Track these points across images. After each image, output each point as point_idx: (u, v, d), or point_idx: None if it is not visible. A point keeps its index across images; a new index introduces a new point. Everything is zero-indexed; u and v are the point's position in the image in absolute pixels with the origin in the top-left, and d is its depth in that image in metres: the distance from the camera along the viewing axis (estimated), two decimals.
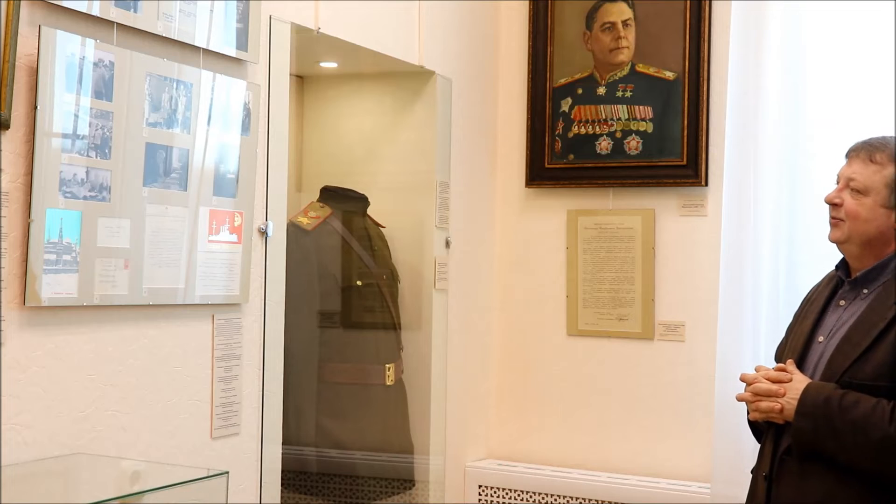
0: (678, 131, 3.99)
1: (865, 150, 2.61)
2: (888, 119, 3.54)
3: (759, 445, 3.45)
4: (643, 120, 4.06)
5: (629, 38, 4.09)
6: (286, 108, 3.23)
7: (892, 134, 2.75)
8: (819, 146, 3.67)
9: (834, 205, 2.64)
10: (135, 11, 2.62)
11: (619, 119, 4.10)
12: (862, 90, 3.62)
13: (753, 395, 2.62)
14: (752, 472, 2.77)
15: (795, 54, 3.72)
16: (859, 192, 2.59)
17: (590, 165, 4.16)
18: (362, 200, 3.98)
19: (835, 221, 2.64)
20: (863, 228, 2.59)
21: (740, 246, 3.74)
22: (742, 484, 3.65)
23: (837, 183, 2.67)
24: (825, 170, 3.59)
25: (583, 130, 4.17)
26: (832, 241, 2.68)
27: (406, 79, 3.97)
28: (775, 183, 3.70)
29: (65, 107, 2.46)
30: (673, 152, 4.01)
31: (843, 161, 2.70)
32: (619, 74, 4.11)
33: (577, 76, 4.19)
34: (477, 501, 4.15)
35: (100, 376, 2.61)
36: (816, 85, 3.70)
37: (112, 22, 2.57)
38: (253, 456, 3.10)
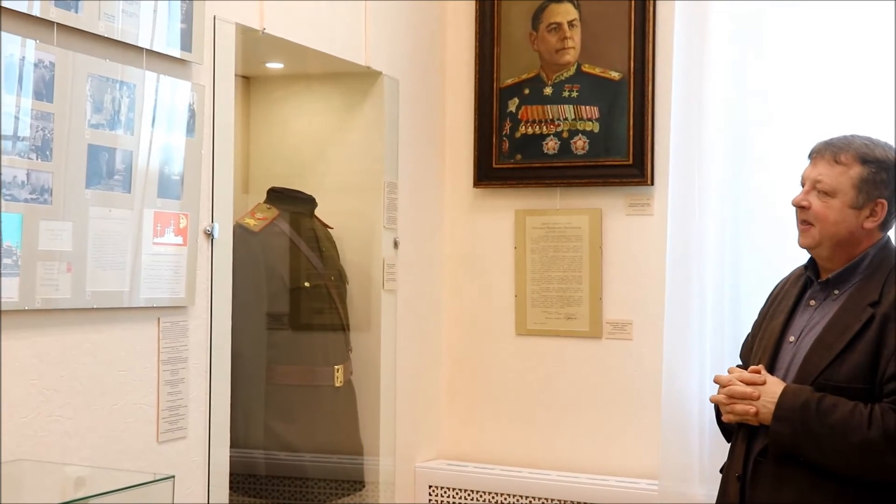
0: (624, 131, 4.02)
1: (830, 151, 2.60)
2: (832, 117, 3.59)
3: (711, 444, 3.51)
4: (589, 120, 4.09)
5: (575, 38, 4.11)
6: (231, 109, 3.21)
7: (843, 132, 2.75)
8: (762, 145, 3.71)
9: (801, 207, 2.62)
10: (76, 12, 2.59)
11: (566, 119, 4.12)
12: (805, 89, 3.66)
13: (728, 398, 2.62)
14: (721, 471, 2.77)
15: (738, 53, 3.75)
16: (827, 193, 2.58)
17: (537, 165, 4.17)
18: (310, 201, 3.97)
19: (804, 227, 2.63)
20: (832, 231, 2.58)
21: (686, 244, 3.77)
22: (689, 481, 3.72)
23: (802, 185, 2.65)
24: (769, 167, 3.67)
25: (530, 130, 4.19)
26: (802, 246, 2.67)
27: (353, 79, 3.96)
28: (719, 181, 3.74)
29: (4, 108, 2.42)
30: (619, 152, 4.03)
31: (792, 158, 2.71)
32: (565, 75, 4.13)
33: (524, 76, 4.20)
34: (427, 502, 4.15)
35: (43, 381, 2.58)
36: (760, 84, 3.74)
37: (52, 22, 2.54)
38: (200, 459, 3.08)
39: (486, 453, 4.26)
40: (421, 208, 4.23)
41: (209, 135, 3.08)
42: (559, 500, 3.97)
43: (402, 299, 4.07)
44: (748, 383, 2.59)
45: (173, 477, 2.52)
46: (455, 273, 4.38)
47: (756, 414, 2.55)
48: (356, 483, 3.98)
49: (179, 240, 2.95)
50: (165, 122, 2.89)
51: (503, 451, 4.23)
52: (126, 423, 2.81)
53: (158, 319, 2.92)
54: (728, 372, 2.69)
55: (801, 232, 2.65)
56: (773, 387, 2.55)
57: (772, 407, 2.52)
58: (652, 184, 4.00)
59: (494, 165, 4.25)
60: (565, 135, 4.13)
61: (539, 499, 4.00)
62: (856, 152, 2.58)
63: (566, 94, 4.12)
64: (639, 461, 3.98)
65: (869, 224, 2.59)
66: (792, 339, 2.63)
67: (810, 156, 2.67)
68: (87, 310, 2.67)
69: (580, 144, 4.10)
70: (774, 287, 2.86)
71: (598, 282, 4.10)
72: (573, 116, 4.11)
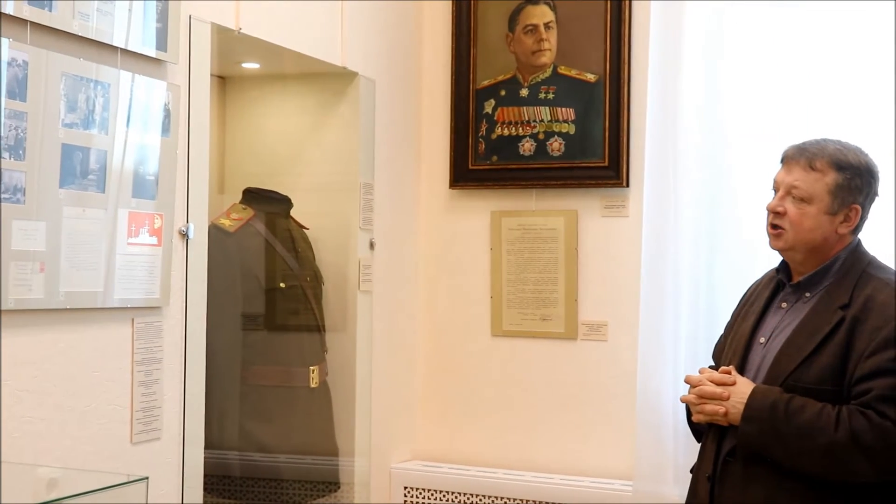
0: (600, 133, 4.03)
1: (805, 157, 2.60)
2: (806, 120, 3.62)
3: (685, 444, 3.52)
4: (565, 121, 4.10)
5: (551, 40, 4.12)
6: (207, 108, 3.20)
7: (816, 135, 2.76)
8: (737, 147, 3.73)
9: (776, 213, 2.63)
10: (49, 10, 2.57)
11: (542, 121, 4.13)
12: (781, 91, 3.68)
13: (698, 398, 2.63)
14: (691, 471, 2.79)
15: (714, 55, 3.77)
16: (803, 200, 2.58)
17: (513, 167, 4.18)
18: (285, 202, 3.96)
19: (777, 231, 2.63)
20: (808, 237, 2.59)
21: (661, 246, 3.78)
22: (664, 481, 3.73)
23: (775, 190, 2.65)
24: (743, 169, 3.69)
25: (506, 132, 4.19)
26: (775, 249, 2.67)
27: (329, 80, 3.96)
28: (695, 183, 3.76)
29: None
30: (595, 154, 4.04)
31: (767, 161, 2.71)
32: (541, 76, 4.14)
33: (500, 78, 4.21)
34: (402, 502, 4.15)
35: (16, 382, 2.56)
36: (735, 86, 3.75)
37: (26, 21, 2.52)
38: (174, 460, 3.06)
39: (461, 454, 4.26)
40: (397, 209, 4.23)
41: (184, 135, 3.07)
42: (534, 501, 3.97)
43: (378, 300, 4.07)
44: (718, 384, 2.60)
45: (147, 478, 2.50)
46: (431, 274, 4.38)
47: (725, 414, 2.57)
48: (331, 484, 3.97)
49: (154, 240, 2.94)
50: (140, 121, 2.88)
51: (478, 452, 4.24)
52: (99, 424, 2.80)
53: (133, 320, 2.90)
54: (699, 372, 2.70)
55: (773, 236, 2.65)
56: (743, 387, 2.57)
57: (741, 407, 2.54)
58: (627, 185, 4.01)
59: (470, 167, 4.25)
60: (541, 136, 4.13)
61: (514, 499, 4.01)
62: (831, 158, 2.59)
63: (542, 95, 4.13)
64: (613, 462, 3.99)
65: (843, 229, 2.61)
66: (762, 340, 2.65)
67: (783, 160, 2.67)
68: (60, 310, 2.66)
69: (556, 146, 4.11)
70: (747, 289, 2.88)
71: (573, 283, 4.11)
72: (549, 118, 4.12)
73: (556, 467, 4.09)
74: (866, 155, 2.63)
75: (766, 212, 2.68)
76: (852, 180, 2.58)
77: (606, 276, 4.07)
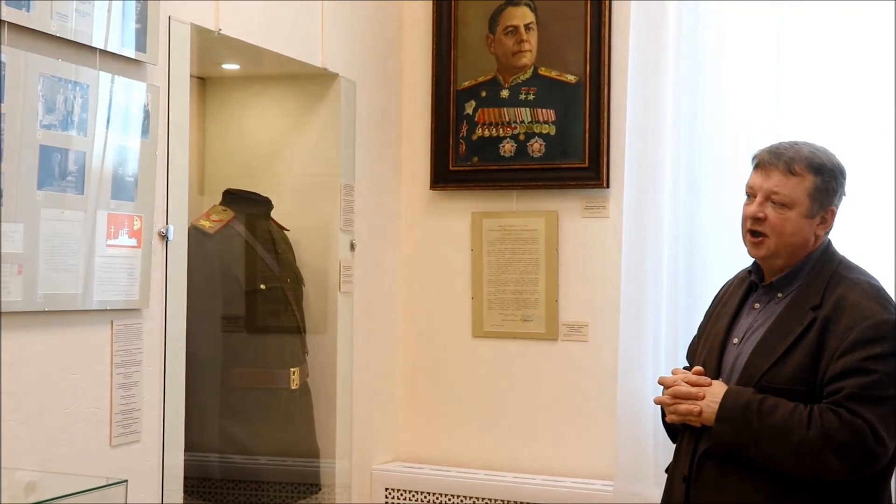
0: (580, 134, 4.04)
1: (783, 162, 2.58)
2: (786, 121, 3.64)
3: (665, 445, 3.52)
4: (546, 123, 4.10)
5: (531, 41, 4.13)
6: (187, 110, 3.19)
7: (789, 138, 2.77)
8: (717, 148, 3.74)
9: (756, 218, 2.61)
10: (27, 11, 2.56)
11: (523, 122, 4.14)
12: (761, 92, 3.69)
13: (672, 398, 2.64)
14: (666, 471, 2.80)
15: (693, 57, 3.78)
16: (784, 205, 2.57)
17: (494, 168, 4.18)
18: (266, 203, 3.95)
19: (759, 240, 2.61)
20: (789, 241, 2.59)
21: (641, 247, 3.79)
22: (644, 481, 3.74)
23: (750, 194, 2.64)
24: (723, 172, 3.70)
25: (486, 133, 4.20)
26: (756, 257, 2.67)
27: (309, 81, 3.95)
28: (674, 184, 3.77)
29: None
30: (575, 155, 4.05)
31: (746, 162, 2.70)
32: (521, 77, 4.14)
33: (481, 79, 4.21)
34: None
35: None
36: (715, 87, 3.76)
37: (3, 21, 2.50)
38: (154, 463, 3.05)
39: (442, 455, 4.26)
40: (377, 210, 4.22)
41: (164, 136, 3.06)
42: (515, 502, 3.98)
43: (359, 301, 4.06)
44: (693, 385, 2.61)
45: (126, 481, 2.50)
46: (412, 275, 4.38)
47: (700, 414, 2.58)
48: (312, 486, 3.97)
49: (133, 242, 2.93)
50: (119, 123, 2.86)
51: (459, 453, 4.24)
52: (78, 427, 2.78)
53: (112, 322, 2.89)
54: (672, 373, 2.72)
55: (754, 244, 2.63)
56: (717, 388, 2.58)
57: (715, 407, 2.55)
58: (607, 186, 4.02)
59: (451, 168, 4.25)
60: (522, 137, 4.14)
61: (495, 500, 4.01)
62: (808, 161, 2.59)
63: (523, 96, 4.14)
64: (594, 462, 4.00)
65: (820, 231, 2.62)
66: (736, 340, 2.66)
67: (757, 164, 2.65)
68: (38, 312, 2.64)
69: (536, 147, 4.12)
70: (719, 290, 2.89)
71: (554, 284, 4.11)
72: (530, 119, 4.13)
73: (536, 468, 4.09)
74: (835, 156, 2.65)
75: (742, 216, 2.66)
76: (829, 182, 2.60)
77: (587, 276, 4.08)
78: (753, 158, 2.68)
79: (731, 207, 3.59)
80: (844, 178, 2.64)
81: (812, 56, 3.67)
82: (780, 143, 2.68)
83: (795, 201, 2.58)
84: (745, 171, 2.72)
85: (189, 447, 3.25)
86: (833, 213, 2.63)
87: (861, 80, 3.61)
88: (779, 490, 2.49)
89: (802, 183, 2.58)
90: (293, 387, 3.86)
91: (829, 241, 2.67)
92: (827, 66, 3.65)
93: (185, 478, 3.21)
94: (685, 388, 2.62)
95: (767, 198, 2.60)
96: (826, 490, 2.48)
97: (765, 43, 3.69)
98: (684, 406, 2.60)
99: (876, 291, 2.57)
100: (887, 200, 3.53)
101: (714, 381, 2.61)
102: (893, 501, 2.66)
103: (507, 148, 4.16)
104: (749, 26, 3.71)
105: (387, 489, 4.16)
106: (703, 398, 2.58)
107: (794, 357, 2.52)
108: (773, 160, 2.61)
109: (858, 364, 2.45)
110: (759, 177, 2.63)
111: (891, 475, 2.58)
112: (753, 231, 2.63)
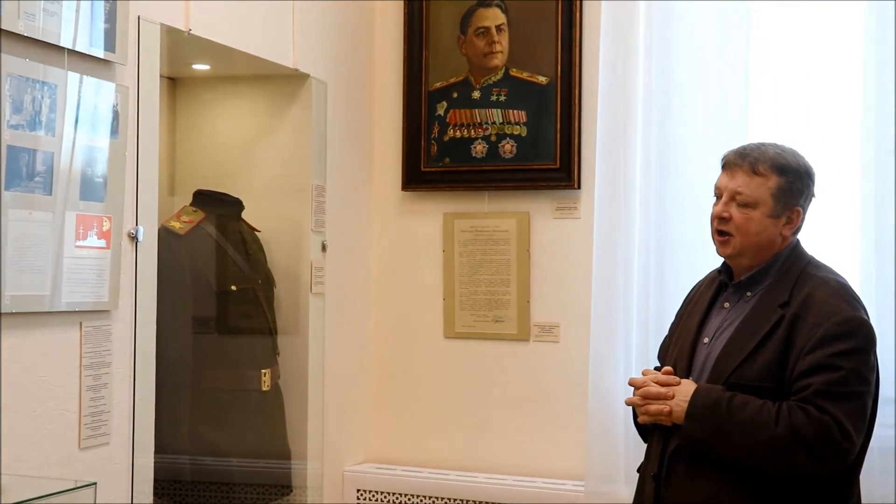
0: (551, 135, 4.05)
1: (748, 163, 2.61)
2: (755, 121, 3.67)
3: (636, 444, 3.54)
4: (517, 124, 4.11)
5: (503, 42, 4.14)
6: (156, 110, 3.17)
7: (759, 139, 2.79)
8: (688, 149, 3.76)
9: (721, 219, 2.65)
10: None
11: (494, 123, 4.14)
12: (731, 94, 3.71)
13: (642, 399, 2.66)
14: (638, 470, 2.82)
15: (664, 58, 3.79)
16: (748, 205, 2.61)
17: (465, 169, 4.19)
18: (237, 204, 3.93)
19: (724, 238, 2.65)
20: (754, 241, 2.62)
21: (612, 248, 3.81)
22: (615, 481, 3.76)
23: (717, 195, 2.68)
24: (694, 172, 3.72)
25: (458, 134, 4.20)
26: (723, 256, 2.70)
27: (281, 82, 3.94)
28: (645, 185, 3.78)
29: None
30: (546, 156, 4.06)
31: (716, 164, 2.73)
32: (493, 79, 4.15)
33: (452, 80, 4.21)
34: None
35: None
36: (685, 88, 3.78)
37: None
38: (124, 465, 3.03)
39: (414, 456, 4.26)
40: (349, 212, 4.22)
41: (133, 136, 3.04)
42: (487, 502, 3.98)
43: (330, 302, 4.05)
44: (663, 385, 2.63)
45: (95, 484, 2.49)
46: (383, 276, 4.37)
47: (670, 413, 2.60)
48: (284, 487, 3.96)
49: (102, 243, 2.91)
50: (88, 123, 2.85)
51: (431, 454, 4.24)
52: (47, 430, 2.76)
53: (81, 324, 2.87)
54: (642, 373, 2.74)
55: (721, 242, 2.67)
56: (686, 387, 2.61)
57: (685, 405, 2.56)
58: (579, 187, 4.04)
59: (423, 169, 4.25)
60: (493, 138, 4.15)
61: (467, 501, 4.01)
62: (772, 162, 2.62)
63: (494, 97, 4.15)
64: (565, 462, 4.01)
65: (786, 231, 2.65)
66: (706, 339, 2.69)
67: (725, 165, 2.68)
68: (6, 314, 2.62)
69: (508, 148, 4.12)
70: (690, 290, 2.91)
71: (525, 285, 4.12)
72: (501, 120, 4.13)
73: (508, 468, 4.10)
74: (803, 157, 2.68)
75: (710, 216, 2.69)
76: (794, 183, 2.62)
77: (558, 277, 4.09)
78: (722, 159, 2.71)
79: (701, 208, 3.60)
80: (812, 179, 2.67)
81: (782, 56, 3.71)
82: (749, 144, 2.72)
83: (759, 201, 2.61)
84: (715, 172, 2.75)
85: (159, 449, 3.23)
86: (799, 214, 2.65)
87: (830, 81, 3.66)
88: (748, 487, 2.52)
89: (766, 183, 2.61)
90: (264, 388, 3.85)
91: (798, 240, 2.69)
92: (797, 67, 3.69)
93: (156, 480, 3.20)
94: (655, 389, 2.64)
95: (732, 198, 2.63)
96: (795, 486, 2.51)
97: (735, 44, 3.72)
98: (654, 406, 2.62)
99: (843, 290, 2.60)
100: (853, 200, 3.57)
101: (683, 381, 2.63)
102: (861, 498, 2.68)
103: (479, 149, 4.17)
104: (719, 27, 3.73)
105: (358, 490, 4.15)
106: (672, 398, 2.60)
107: (763, 354, 2.54)
108: (738, 161, 2.64)
109: (826, 361, 2.48)
110: (725, 177, 2.67)
111: (859, 471, 2.61)
112: (720, 230, 2.66)
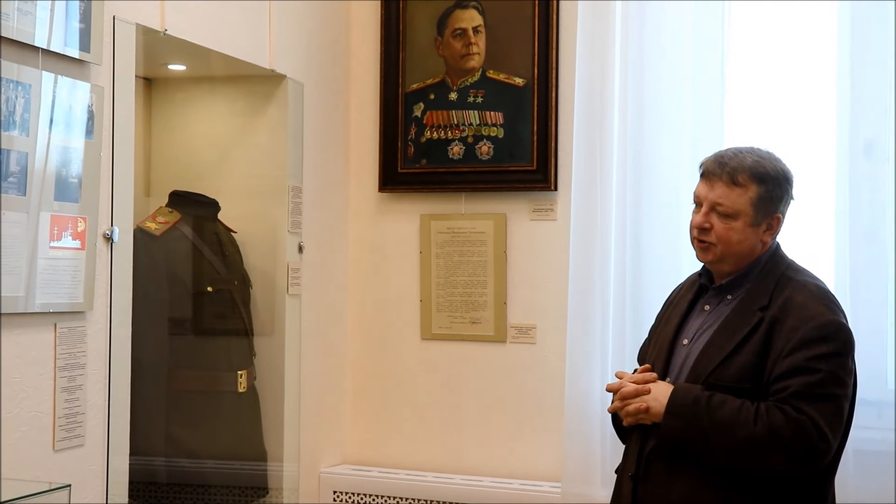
0: (528, 137, 4.05)
1: (727, 173, 2.60)
2: (729, 122, 3.69)
3: (613, 446, 3.56)
4: (494, 125, 4.12)
5: (480, 44, 4.14)
6: (132, 110, 3.16)
7: (735, 140, 2.80)
8: (664, 151, 3.77)
9: (702, 228, 2.64)
10: None
11: (471, 124, 4.15)
12: (708, 95, 3.73)
13: (621, 401, 2.66)
14: (616, 471, 2.82)
15: (640, 58, 3.79)
16: (728, 216, 2.60)
17: (442, 170, 4.19)
18: (213, 205, 3.92)
19: (705, 245, 2.65)
20: (736, 250, 2.63)
21: (588, 249, 3.82)
22: (592, 482, 3.77)
23: (697, 203, 2.67)
24: (670, 174, 3.73)
25: (435, 135, 4.20)
26: (703, 261, 2.70)
27: (257, 82, 3.93)
28: (621, 186, 3.79)
29: None
30: (523, 157, 4.07)
31: (692, 166, 2.73)
32: (470, 80, 4.15)
33: (429, 81, 4.21)
34: None
35: None
36: (661, 88, 3.78)
37: None
38: (98, 467, 3.02)
39: (390, 458, 4.26)
40: (326, 213, 4.21)
41: (108, 137, 3.03)
42: None
43: (307, 304, 4.05)
44: (638, 382, 2.64)
45: (69, 486, 2.47)
46: (360, 277, 4.37)
47: (648, 410, 2.60)
48: (260, 489, 3.95)
49: (77, 244, 2.89)
50: (63, 123, 2.83)
51: (408, 456, 4.23)
52: (21, 432, 2.75)
53: (55, 325, 2.85)
54: (616, 376, 2.74)
55: (702, 249, 2.67)
56: (663, 385, 2.62)
57: (664, 400, 2.57)
58: (555, 189, 4.04)
59: (400, 170, 4.25)
60: (470, 140, 4.15)
61: (443, 502, 4.01)
62: (751, 172, 2.61)
63: (471, 99, 4.15)
64: (542, 464, 4.02)
65: (766, 237, 2.66)
66: (685, 341, 2.70)
67: (704, 174, 2.67)
68: None
69: (485, 150, 4.13)
70: (671, 293, 2.92)
71: (502, 286, 4.13)
72: (478, 122, 4.14)
73: (485, 470, 4.10)
74: (780, 161, 2.67)
75: (690, 224, 2.69)
76: (773, 191, 2.62)
77: (535, 279, 4.10)
78: (700, 166, 2.70)
79: (677, 210, 3.65)
80: (790, 184, 2.67)
81: (758, 57, 3.73)
82: (727, 150, 2.70)
83: (740, 212, 2.61)
84: (691, 174, 2.76)
85: (135, 451, 3.22)
86: (779, 219, 2.66)
87: (806, 81, 3.68)
88: (726, 486, 2.52)
89: (746, 193, 2.61)
90: (240, 390, 3.84)
91: (778, 244, 2.71)
92: (773, 67, 3.71)
93: (131, 482, 3.18)
94: (631, 387, 2.65)
95: (712, 208, 2.63)
96: (772, 486, 2.52)
97: (710, 44, 3.73)
98: (633, 405, 2.63)
99: (822, 293, 2.62)
100: (829, 201, 3.59)
101: (660, 382, 2.64)
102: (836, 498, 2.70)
103: (456, 150, 4.17)
104: (695, 27, 3.74)
105: (335, 492, 4.15)
106: (648, 392, 2.60)
107: (742, 356, 2.55)
108: (717, 170, 2.63)
109: (804, 363, 2.49)
110: (704, 187, 2.66)
111: (835, 472, 2.63)
112: (700, 239, 2.66)
